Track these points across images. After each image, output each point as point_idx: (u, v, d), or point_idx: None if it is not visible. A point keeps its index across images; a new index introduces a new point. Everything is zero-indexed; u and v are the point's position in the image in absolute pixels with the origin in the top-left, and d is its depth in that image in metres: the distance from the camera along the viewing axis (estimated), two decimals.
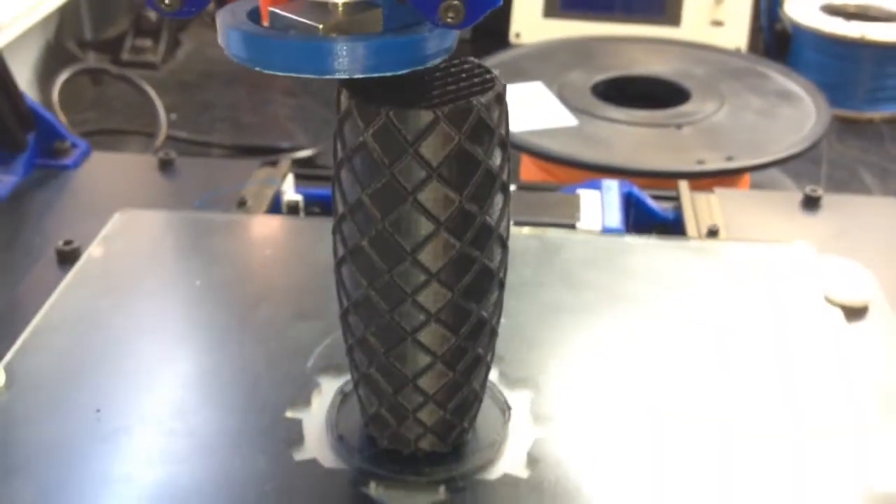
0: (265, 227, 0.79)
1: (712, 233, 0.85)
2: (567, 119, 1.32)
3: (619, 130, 1.29)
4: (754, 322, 0.63)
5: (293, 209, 0.95)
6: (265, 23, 0.41)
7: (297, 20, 0.40)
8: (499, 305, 0.49)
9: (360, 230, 0.45)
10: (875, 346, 0.63)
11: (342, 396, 0.55)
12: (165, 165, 0.98)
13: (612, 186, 0.94)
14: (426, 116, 0.42)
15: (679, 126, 1.30)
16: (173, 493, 0.49)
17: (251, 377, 0.57)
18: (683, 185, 0.97)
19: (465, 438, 0.52)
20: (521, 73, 1.50)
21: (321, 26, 0.39)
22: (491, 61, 1.57)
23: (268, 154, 1.41)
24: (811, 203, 0.93)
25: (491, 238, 0.46)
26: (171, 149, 1.07)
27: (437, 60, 0.41)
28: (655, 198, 0.97)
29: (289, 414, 0.54)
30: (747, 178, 1.36)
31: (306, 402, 0.55)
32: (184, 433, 0.52)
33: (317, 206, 0.98)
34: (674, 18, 2.21)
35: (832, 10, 2.24)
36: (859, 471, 0.51)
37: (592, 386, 0.57)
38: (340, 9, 0.40)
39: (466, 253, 0.45)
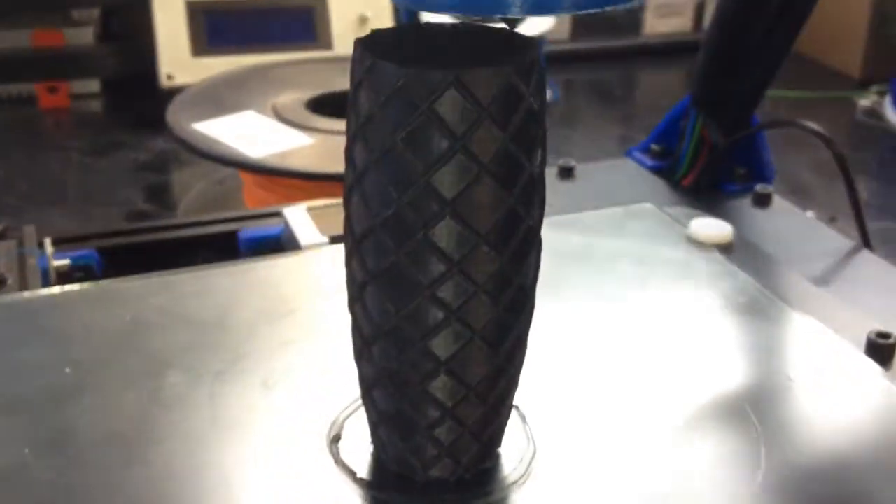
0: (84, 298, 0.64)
1: None
2: (298, 137, 1.25)
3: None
4: (651, 280, 0.62)
5: (64, 276, 0.80)
6: None
7: None
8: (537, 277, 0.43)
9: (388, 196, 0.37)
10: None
11: (334, 443, 0.46)
12: None
13: None
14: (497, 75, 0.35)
15: None
16: None
17: None
18: None
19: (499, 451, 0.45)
20: (224, 106, 1.40)
21: None
22: (182, 99, 1.45)
23: None
24: (567, 173, 0.95)
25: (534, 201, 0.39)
26: None
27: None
28: None
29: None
30: None
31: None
32: None
33: (80, 270, 0.83)
34: (326, 43, 2.20)
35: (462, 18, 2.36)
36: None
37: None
38: None
39: (516, 214, 0.38)
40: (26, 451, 0.44)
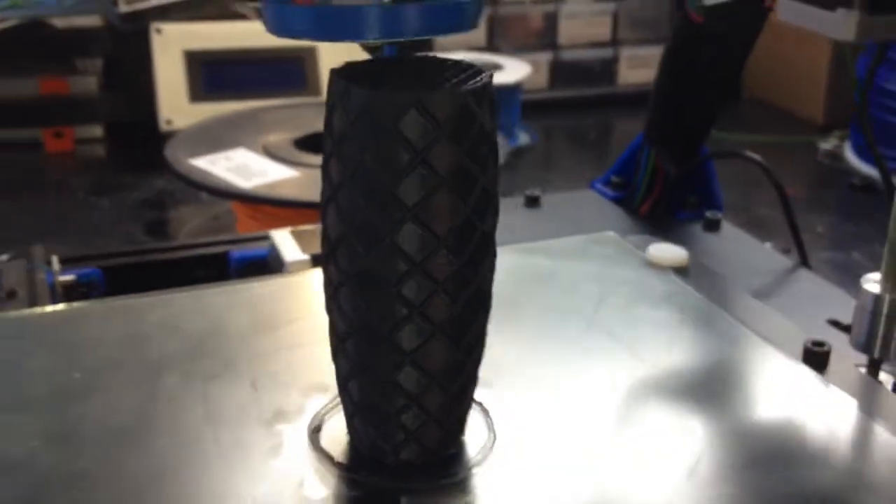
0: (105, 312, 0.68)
1: None
2: (285, 171, 1.29)
3: None
4: (609, 298, 0.65)
5: (70, 290, 0.83)
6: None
7: None
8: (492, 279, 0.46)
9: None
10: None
11: (314, 433, 0.49)
12: None
13: None
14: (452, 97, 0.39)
15: None
16: None
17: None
18: None
19: (462, 438, 0.49)
20: (218, 144, 1.44)
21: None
22: (180, 138, 1.49)
23: None
24: (533, 202, 0.99)
25: (489, 205, 0.43)
26: None
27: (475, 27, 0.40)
28: None
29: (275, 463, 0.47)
30: None
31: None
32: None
33: (84, 286, 0.87)
34: (315, 89, 2.25)
35: None
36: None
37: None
38: None
39: (472, 222, 0.42)
40: (35, 443, 0.48)
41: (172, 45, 2.15)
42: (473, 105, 0.40)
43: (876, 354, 0.61)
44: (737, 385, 0.56)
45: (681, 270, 0.69)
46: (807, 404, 0.54)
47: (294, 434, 0.49)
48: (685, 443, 0.49)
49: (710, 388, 0.55)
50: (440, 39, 2.65)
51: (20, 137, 2.34)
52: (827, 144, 2.60)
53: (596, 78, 2.93)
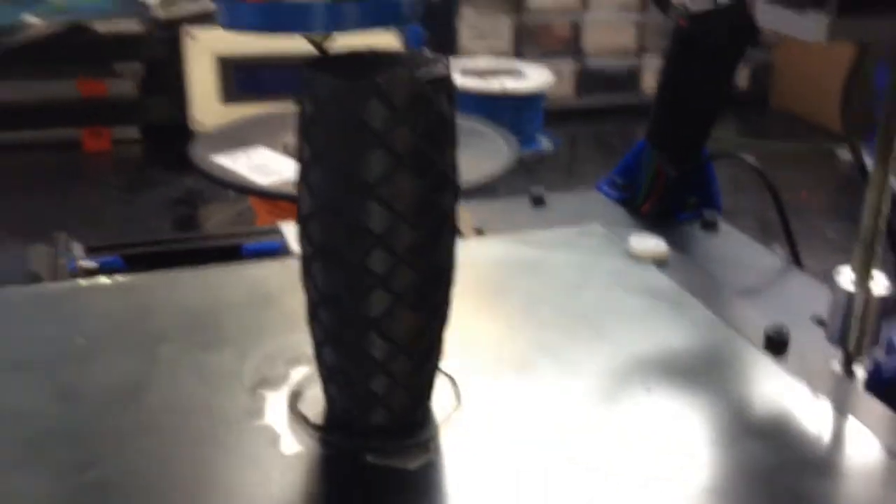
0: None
1: (480, 231, 0.90)
2: None
3: None
4: (589, 284, 0.68)
5: (92, 276, 0.88)
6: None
7: None
8: (455, 253, 0.50)
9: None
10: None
11: (294, 397, 0.53)
12: None
13: None
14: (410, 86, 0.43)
15: None
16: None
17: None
18: None
19: (428, 408, 0.52)
20: (241, 143, 1.48)
21: None
22: (205, 137, 1.54)
23: None
24: (539, 202, 1.02)
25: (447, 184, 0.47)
26: None
27: (415, 21, 0.44)
28: None
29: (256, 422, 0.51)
30: None
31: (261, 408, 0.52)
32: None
33: (106, 273, 0.91)
34: None
35: (466, 72, 2.46)
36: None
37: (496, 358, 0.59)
38: None
39: (430, 199, 0.46)
40: (41, 397, 0.52)
41: (205, 50, 2.21)
42: (430, 92, 0.44)
43: (850, 349, 0.63)
44: (697, 365, 0.59)
45: (660, 262, 0.72)
46: (758, 383, 0.57)
47: (276, 399, 0.53)
48: (644, 414, 0.53)
49: (672, 367, 0.58)
50: (465, 44, 2.68)
51: (60, 137, 2.42)
52: (846, 153, 2.60)
53: (620, 86, 2.95)
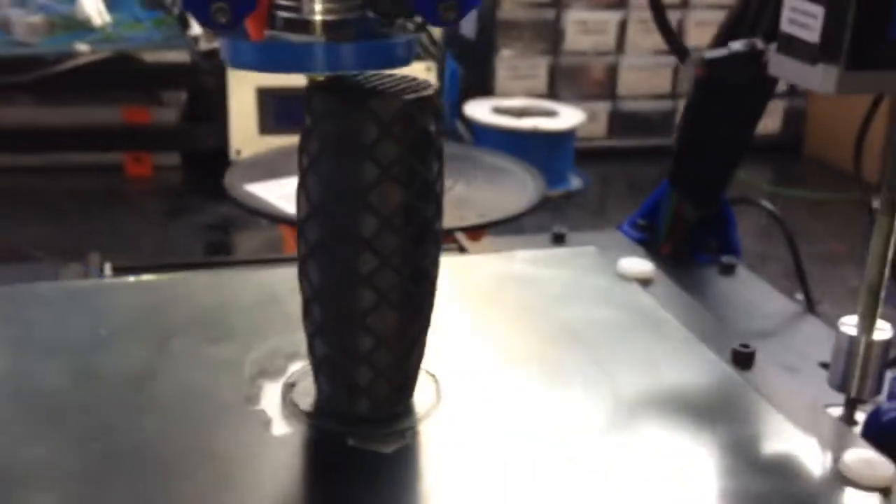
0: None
1: None
2: None
3: None
4: (573, 300, 0.73)
5: None
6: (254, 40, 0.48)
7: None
8: (438, 259, 0.55)
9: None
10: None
11: (288, 387, 0.59)
12: None
13: None
14: (396, 104, 0.49)
15: None
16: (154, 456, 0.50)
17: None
18: (461, 236, 1.09)
19: (409, 402, 0.57)
20: (274, 173, 1.56)
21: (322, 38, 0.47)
22: (239, 165, 1.62)
23: None
24: (559, 239, 1.07)
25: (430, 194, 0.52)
26: None
27: (408, 64, 0.50)
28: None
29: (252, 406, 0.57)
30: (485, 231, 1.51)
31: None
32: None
33: None
34: None
35: (500, 111, 2.53)
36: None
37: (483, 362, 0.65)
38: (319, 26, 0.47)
39: (414, 207, 0.51)
40: (62, 380, 0.58)
41: (246, 81, 2.31)
42: (415, 111, 0.50)
43: (852, 394, 0.66)
44: (665, 373, 0.63)
45: (645, 282, 0.76)
46: (719, 392, 0.61)
47: (271, 388, 0.59)
48: (613, 412, 0.57)
49: (640, 372, 0.63)
50: (502, 84, 2.75)
51: (104, 161, 2.52)
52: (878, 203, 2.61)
53: (654, 128, 3.00)
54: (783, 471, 0.53)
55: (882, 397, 0.67)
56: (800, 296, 1.03)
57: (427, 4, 0.46)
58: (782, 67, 0.70)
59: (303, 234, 0.53)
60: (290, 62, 0.48)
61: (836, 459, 0.53)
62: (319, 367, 0.56)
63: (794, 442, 0.56)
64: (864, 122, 0.85)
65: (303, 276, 0.54)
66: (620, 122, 3.00)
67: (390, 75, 0.53)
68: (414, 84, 0.52)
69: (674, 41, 0.84)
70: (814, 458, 0.54)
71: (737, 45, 0.80)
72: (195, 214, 2.22)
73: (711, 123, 0.99)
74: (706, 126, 0.99)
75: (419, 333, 0.55)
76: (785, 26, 0.69)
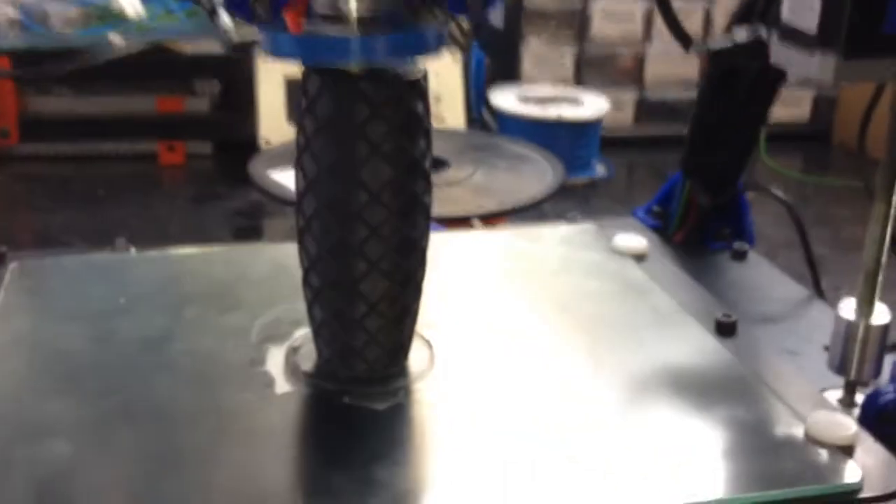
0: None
1: None
2: None
3: None
4: (568, 272, 0.77)
5: None
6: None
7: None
8: (427, 230, 0.59)
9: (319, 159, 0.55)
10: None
11: (292, 350, 0.63)
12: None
13: None
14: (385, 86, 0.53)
15: (451, 185, 1.47)
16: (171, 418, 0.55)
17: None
18: (477, 223, 1.12)
19: (406, 361, 0.61)
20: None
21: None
22: (266, 154, 1.66)
23: None
24: None
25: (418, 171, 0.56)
26: None
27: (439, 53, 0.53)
28: None
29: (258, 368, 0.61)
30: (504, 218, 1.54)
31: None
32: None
33: None
34: None
35: (526, 100, 2.55)
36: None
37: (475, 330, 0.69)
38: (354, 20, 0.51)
39: (402, 182, 0.55)
40: (81, 343, 0.63)
41: (275, 71, 2.36)
42: (402, 92, 0.54)
43: (851, 377, 0.68)
44: (647, 338, 0.66)
45: (640, 257, 0.80)
46: (700, 357, 0.65)
47: (277, 352, 0.63)
48: (597, 377, 0.61)
49: (625, 340, 0.66)
50: (528, 72, 2.77)
51: (138, 150, 2.59)
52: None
53: (680, 117, 3.00)
54: (756, 434, 0.57)
55: (884, 379, 0.69)
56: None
57: None
58: (783, 56, 0.72)
59: (300, 208, 0.57)
60: (328, 53, 0.52)
61: (804, 419, 0.56)
62: (318, 331, 0.60)
63: (765, 404, 0.59)
64: (867, 109, 0.86)
65: (301, 246, 0.58)
66: (647, 110, 3.02)
67: (384, 63, 0.57)
68: (404, 70, 0.56)
69: (677, 29, 0.86)
70: (783, 419, 0.57)
71: (741, 35, 0.82)
72: (225, 201, 2.28)
73: (721, 113, 1.00)
74: (716, 115, 1.01)
75: (411, 300, 0.59)
76: (785, 15, 0.71)
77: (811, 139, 3.04)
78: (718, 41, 0.87)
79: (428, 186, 0.57)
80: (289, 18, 0.51)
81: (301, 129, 0.56)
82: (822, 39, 0.66)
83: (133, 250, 0.97)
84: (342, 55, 0.52)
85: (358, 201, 0.55)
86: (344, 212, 0.55)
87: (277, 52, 0.52)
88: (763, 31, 0.81)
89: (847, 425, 0.55)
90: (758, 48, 0.81)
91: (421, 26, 0.52)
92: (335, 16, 0.51)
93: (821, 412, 0.56)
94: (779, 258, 1.08)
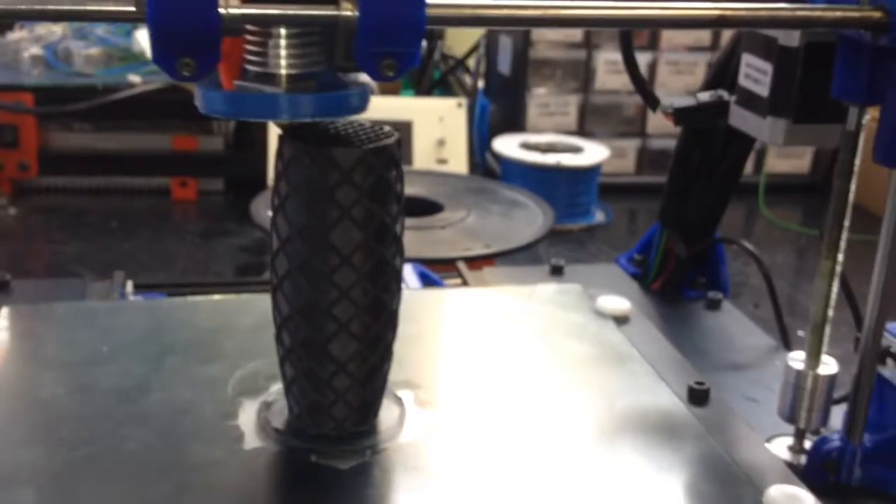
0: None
1: None
2: None
3: None
4: (549, 333, 0.76)
5: None
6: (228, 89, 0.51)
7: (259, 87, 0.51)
8: (398, 293, 0.59)
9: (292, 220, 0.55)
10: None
11: (265, 405, 0.62)
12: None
13: (407, 268, 1.07)
14: (355, 153, 0.53)
15: (443, 227, 1.47)
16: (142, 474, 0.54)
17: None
18: (462, 265, 1.12)
19: (376, 420, 0.61)
20: None
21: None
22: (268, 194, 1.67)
23: None
24: (557, 271, 1.09)
25: (389, 236, 0.56)
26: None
27: (362, 111, 0.53)
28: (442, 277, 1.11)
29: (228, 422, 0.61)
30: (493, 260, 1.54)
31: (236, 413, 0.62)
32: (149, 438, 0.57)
33: None
34: (407, 159, 2.43)
35: (528, 147, 2.56)
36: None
37: (457, 385, 0.68)
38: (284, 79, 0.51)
39: (371, 246, 0.55)
40: (60, 390, 0.63)
41: None
42: (372, 159, 0.54)
43: (801, 425, 0.69)
44: (619, 405, 0.66)
45: (622, 319, 0.79)
46: (670, 428, 0.64)
47: (250, 405, 0.62)
48: (564, 443, 0.60)
49: (598, 404, 0.65)
50: (533, 120, 2.79)
51: (152, 185, 2.60)
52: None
53: None
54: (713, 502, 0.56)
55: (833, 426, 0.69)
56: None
57: (369, 62, 0.49)
58: (739, 118, 0.74)
59: (273, 267, 0.57)
60: (256, 110, 0.52)
61: (762, 492, 0.55)
62: (289, 388, 0.59)
63: (726, 475, 0.58)
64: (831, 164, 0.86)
65: (274, 304, 0.58)
66: (648, 158, 3.02)
67: (360, 123, 0.57)
68: (378, 132, 0.56)
69: (645, 90, 0.87)
70: (741, 491, 0.56)
71: (704, 96, 0.83)
72: (231, 237, 2.29)
73: (697, 166, 1.01)
74: (692, 169, 1.02)
75: (380, 361, 0.59)
76: (741, 80, 0.72)
77: (812, 191, 3.03)
78: (682, 100, 0.88)
79: (399, 249, 0.57)
80: (222, 75, 0.51)
81: (276, 191, 0.56)
82: (774, 105, 0.67)
83: (130, 284, 0.97)
84: (270, 112, 0.52)
85: (328, 264, 0.54)
86: (315, 273, 0.55)
87: (208, 108, 0.52)
88: (725, 94, 0.82)
89: (804, 500, 0.54)
90: (718, 108, 0.82)
91: (347, 86, 0.52)
92: (266, 74, 0.50)
93: (779, 486, 0.55)
94: (761, 307, 1.07)
